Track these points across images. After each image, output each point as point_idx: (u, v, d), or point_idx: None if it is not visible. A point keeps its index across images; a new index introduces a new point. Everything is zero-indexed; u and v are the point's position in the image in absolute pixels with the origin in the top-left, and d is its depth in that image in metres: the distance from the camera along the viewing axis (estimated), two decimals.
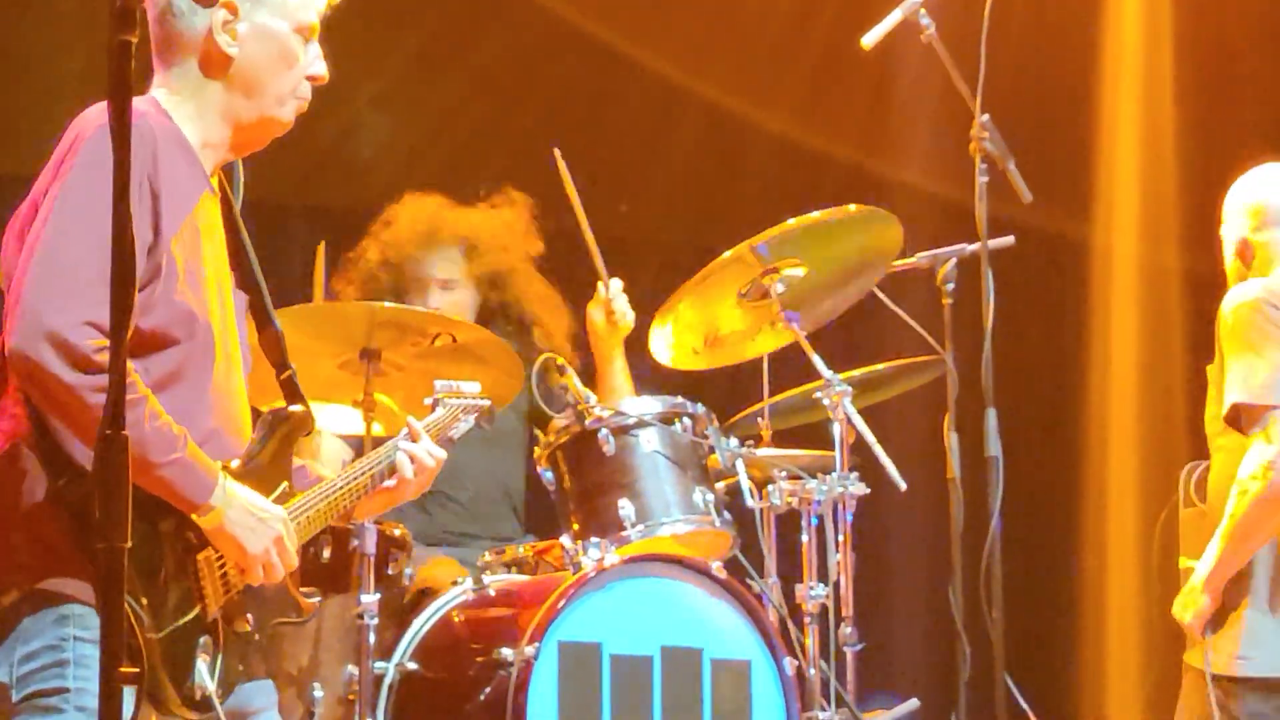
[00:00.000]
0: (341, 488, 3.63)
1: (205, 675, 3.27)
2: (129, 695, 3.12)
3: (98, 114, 3.30)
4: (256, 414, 3.59)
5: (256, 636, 3.44)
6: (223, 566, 3.33)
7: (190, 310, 3.34)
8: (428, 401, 4.00)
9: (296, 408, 3.57)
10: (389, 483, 3.77)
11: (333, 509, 3.61)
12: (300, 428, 3.57)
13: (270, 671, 4.82)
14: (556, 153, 5.72)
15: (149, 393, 3.23)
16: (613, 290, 5.86)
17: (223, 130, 3.49)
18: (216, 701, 3.27)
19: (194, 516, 3.28)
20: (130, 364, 3.14)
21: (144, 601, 3.20)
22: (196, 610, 3.29)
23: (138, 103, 3.34)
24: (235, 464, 3.39)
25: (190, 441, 3.26)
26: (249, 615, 3.39)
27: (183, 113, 3.45)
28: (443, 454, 3.85)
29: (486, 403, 4.08)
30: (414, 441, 3.80)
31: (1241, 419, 4.68)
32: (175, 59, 3.49)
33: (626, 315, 5.86)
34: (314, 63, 3.56)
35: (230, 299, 3.51)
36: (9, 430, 3.26)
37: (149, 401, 3.21)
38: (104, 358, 3.14)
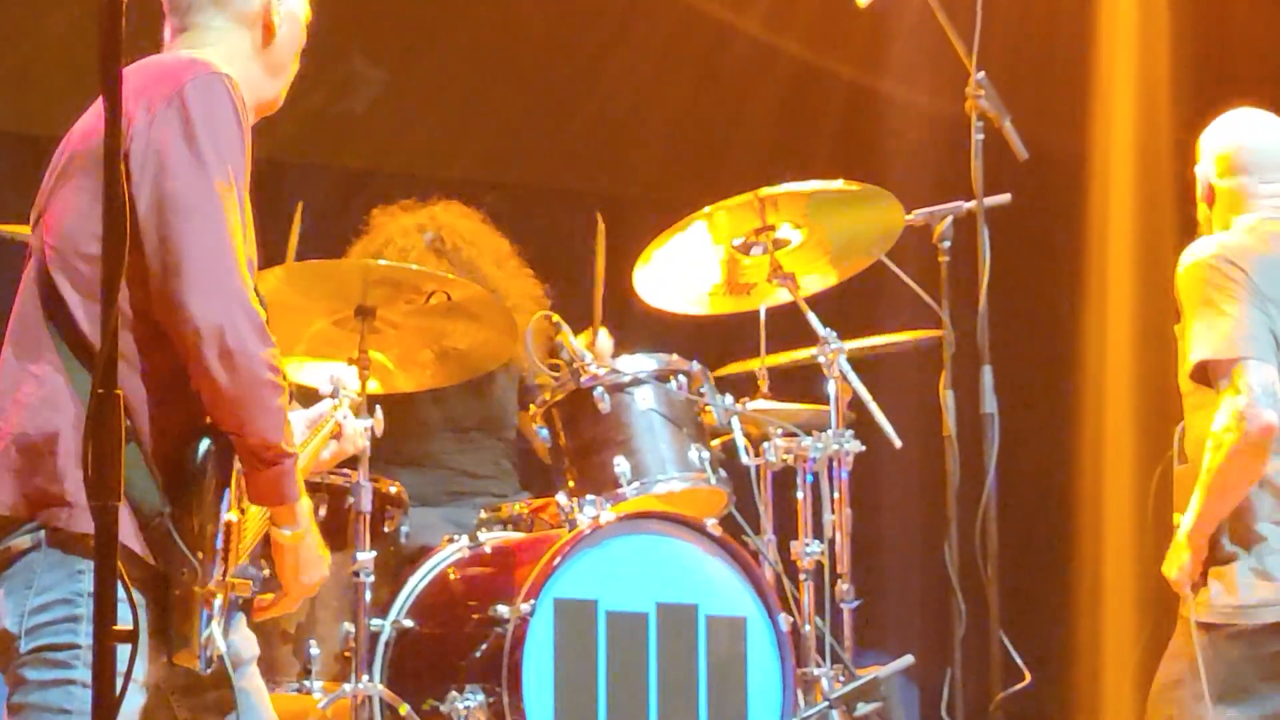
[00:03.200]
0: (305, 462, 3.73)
1: (219, 636, 3.29)
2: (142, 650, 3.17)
3: (185, 66, 3.33)
4: None
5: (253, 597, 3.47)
6: (240, 531, 3.36)
7: (249, 261, 3.39)
8: (325, 390, 4.09)
9: None
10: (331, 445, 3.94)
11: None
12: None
13: (262, 625, 4.87)
14: (599, 219, 5.68)
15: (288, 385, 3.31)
16: (601, 340, 5.85)
17: (249, 103, 3.49)
18: (229, 663, 3.30)
19: (276, 530, 3.37)
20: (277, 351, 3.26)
21: (200, 556, 3.23)
22: (223, 570, 3.31)
23: (198, 58, 3.38)
24: None
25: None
26: (248, 581, 3.42)
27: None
28: (366, 442, 4.08)
29: (357, 398, 4.18)
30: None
31: (1210, 375, 4.71)
32: (231, 18, 3.51)
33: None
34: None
35: None
36: (43, 374, 3.26)
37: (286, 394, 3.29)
38: (270, 331, 3.26)
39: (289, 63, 3.55)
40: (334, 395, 4.06)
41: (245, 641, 3.52)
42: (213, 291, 3.18)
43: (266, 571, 3.61)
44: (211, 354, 3.16)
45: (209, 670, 3.29)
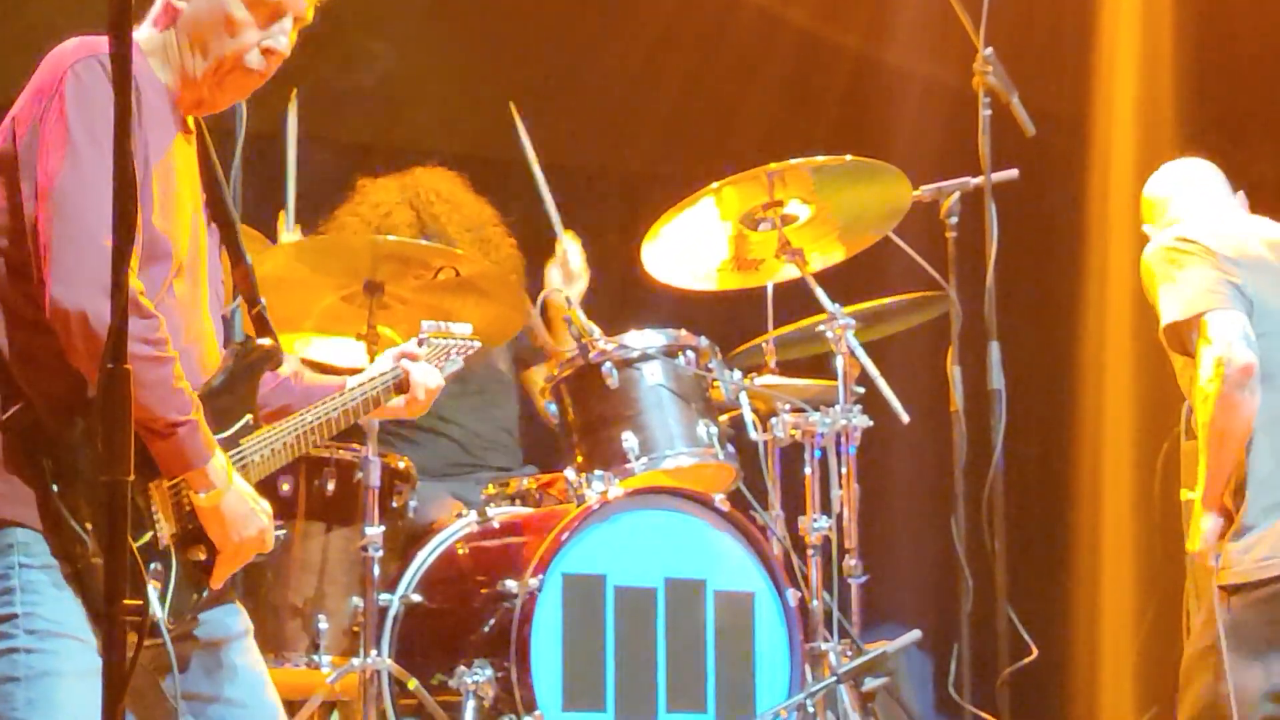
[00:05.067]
0: (311, 422, 3.64)
1: (155, 602, 3.29)
2: (74, 610, 3.20)
3: (75, 49, 3.33)
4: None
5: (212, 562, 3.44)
6: (176, 495, 3.36)
7: (159, 237, 3.37)
8: (414, 340, 4.01)
9: (264, 341, 3.59)
10: (397, 401, 3.83)
11: (302, 442, 3.63)
12: (267, 361, 3.59)
13: (271, 600, 4.86)
14: (512, 107, 5.67)
15: (176, 355, 3.28)
16: (569, 247, 5.87)
17: (177, 82, 3.49)
18: (165, 628, 3.29)
19: (193, 495, 3.34)
20: (162, 320, 3.24)
21: (88, 526, 3.23)
22: (147, 537, 3.32)
23: (88, 40, 3.36)
24: (192, 390, 3.37)
25: (200, 410, 3.32)
26: (203, 544, 3.41)
27: (156, 59, 3.47)
28: (441, 381, 3.90)
29: (476, 345, 4.10)
30: (412, 361, 3.87)
31: (1182, 340, 4.78)
32: (153, 4, 3.51)
33: (583, 273, 5.90)
34: (272, 37, 3.49)
35: (204, 234, 3.53)
36: None
37: (177, 363, 3.27)
38: (147, 302, 3.24)
39: (210, 41, 3.44)
40: (420, 343, 4.00)
41: (233, 616, 3.52)
42: (74, 277, 3.17)
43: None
44: (78, 339, 3.18)
45: (152, 640, 3.30)
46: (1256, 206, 7.26)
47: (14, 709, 3.21)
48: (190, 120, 3.54)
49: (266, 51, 3.49)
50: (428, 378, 3.87)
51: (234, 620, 3.52)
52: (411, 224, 5.85)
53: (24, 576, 3.22)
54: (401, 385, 3.84)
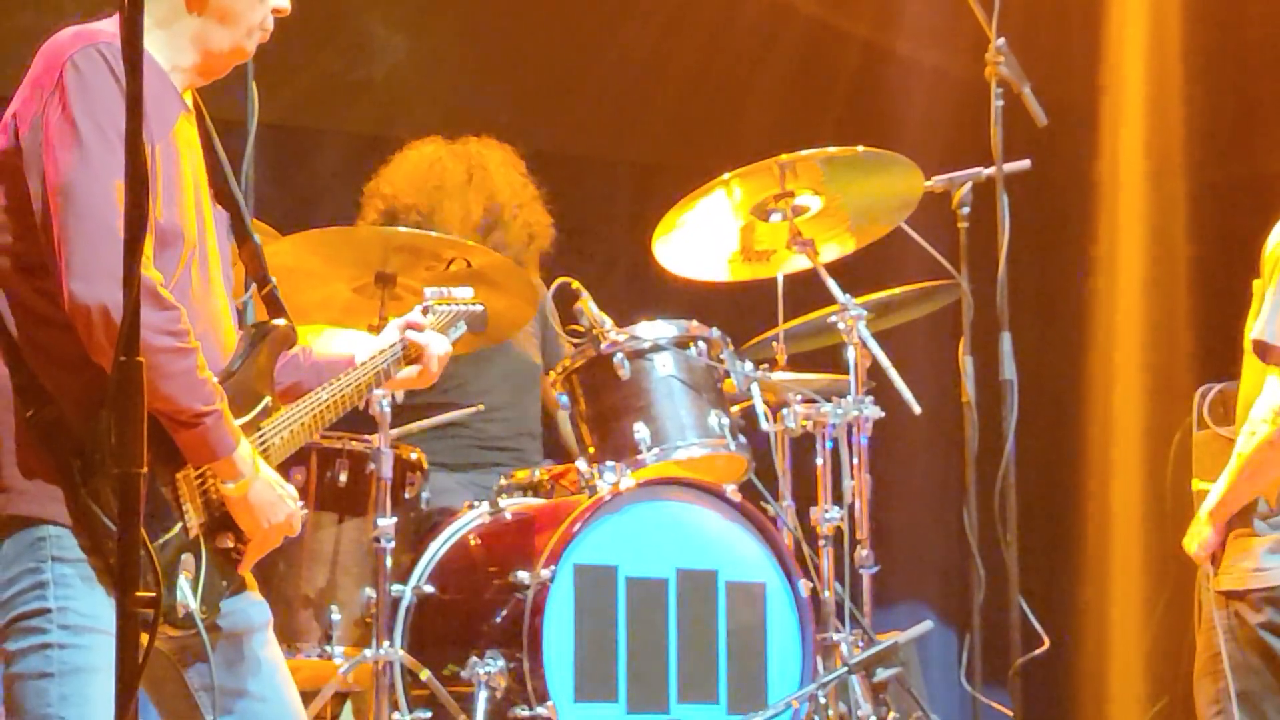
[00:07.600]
0: (326, 400, 3.64)
1: (188, 592, 3.30)
2: (106, 605, 3.18)
3: (71, 39, 3.33)
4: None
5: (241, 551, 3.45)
6: (203, 484, 3.36)
7: (166, 224, 3.36)
8: (418, 309, 3.99)
9: (279, 321, 3.59)
10: (408, 371, 3.82)
11: (320, 421, 3.63)
12: (282, 341, 3.59)
13: (283, 591, 4.86)
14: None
15: (198, 345, 3.28)
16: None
17: (193, 56, 3.48)
18: (199, 618, 3.30)
19: (221, 485, 3.35)
20: (184, 311, 3.25)
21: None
22: (177, 528, 3.32)
23: (106, 25, 3.36)
24: (215, 378, 3.38)
25: (225, 399, 3.32)
26: (231, 532, 3.42)
27: (153, 37, 3.40)
28: (449, 348, 3.90)
29: (479, 308, 4.09)
30: (418, 331, 3.85)
31: (1264, 352, 4.65)
32: None
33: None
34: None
35: (210, 215, 3.53)
36: None
37: (199, 353, 3.27)
38: (167, 294, 3.24)
39: (244, 11, 3.47)
40: (425, 312, 3.96)
41: (255, 607, 3.52)
42: (91, 271, 3.17)
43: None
44: (99, 333, 3.17)
45: (186, 631, 3.31)
46: (1266, 200, 7.25)
47: (47, 704, 3.22)
48: (189, 99, 3.54)
49: (274, 11, 3.52)
50: (437, 346, 3.87)
51: (255, 611, 3.52)
52: (460, 177, 5.88)
53: (56, 571, 3.22)
54: (412, 355, 3.84)
